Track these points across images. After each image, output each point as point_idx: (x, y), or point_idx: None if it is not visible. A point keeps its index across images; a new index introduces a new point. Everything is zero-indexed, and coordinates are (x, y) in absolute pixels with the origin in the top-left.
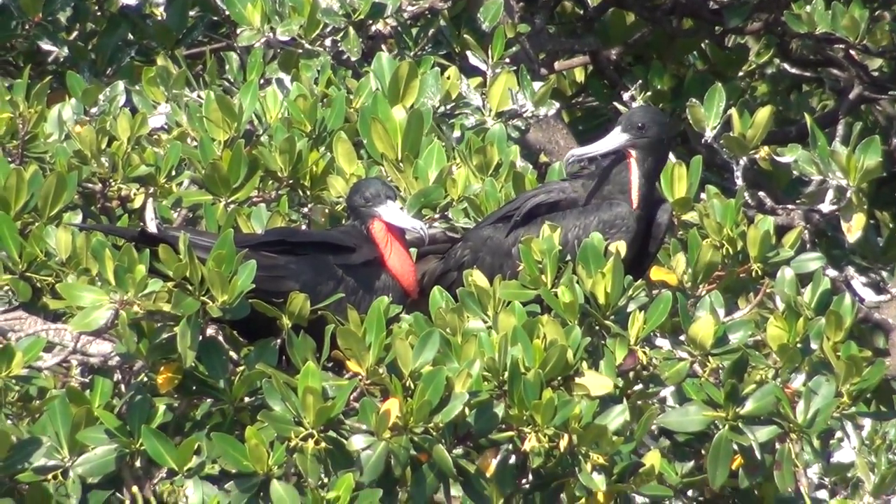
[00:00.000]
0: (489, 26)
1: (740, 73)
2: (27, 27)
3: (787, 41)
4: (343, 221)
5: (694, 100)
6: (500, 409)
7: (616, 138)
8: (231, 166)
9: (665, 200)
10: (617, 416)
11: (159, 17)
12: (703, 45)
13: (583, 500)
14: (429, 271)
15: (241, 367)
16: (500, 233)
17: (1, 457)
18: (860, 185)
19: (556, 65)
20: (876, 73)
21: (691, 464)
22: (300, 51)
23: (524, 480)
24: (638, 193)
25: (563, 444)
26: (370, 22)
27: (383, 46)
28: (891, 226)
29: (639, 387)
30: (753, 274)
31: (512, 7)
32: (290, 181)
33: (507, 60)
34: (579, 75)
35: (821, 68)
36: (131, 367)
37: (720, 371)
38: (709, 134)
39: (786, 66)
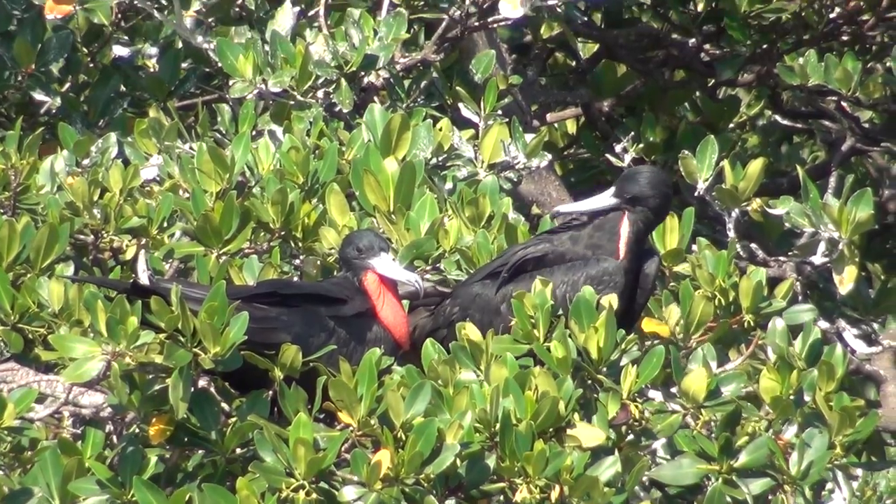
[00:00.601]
0: (481, 78)
1: (731, 125)
2: (20, 78)
3: (778, 93)
4: (335, 273)
5: (686, 152)
6: (491, 461)
7: (605, 201)
8: (223, 218)
9: (654, 251)
10: (608, 468)
11: (151, 69)
12: (694, 96)
13: None
14: (419, 325)
15: (233, 419)
16: (489, 289)
17: None
18: (852, 237)
19: (548, 117)
20: (867, 125)
21: None
22: (292, 102)
23: None
24: (626, 246)
25: (554, 495)
26: (362, 74)
27: (375, 98)
28: (882, 278)
29: (630, 438)
30: (745, 325)
31: (504, 59)
32: (283, 232)
33: (500, 112)
34: (571, 127)
35: (812, 120)
36: (123, 419)
37: (712, 423)
38: (701, 186)
39: (777, 117)
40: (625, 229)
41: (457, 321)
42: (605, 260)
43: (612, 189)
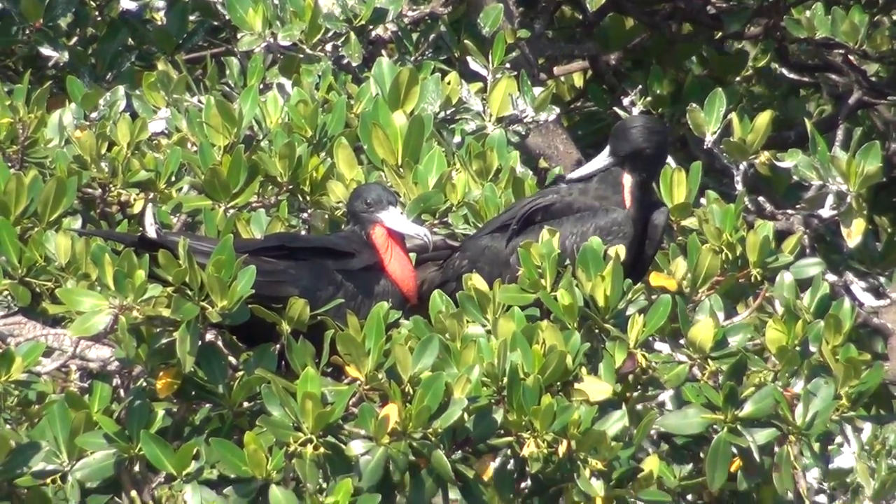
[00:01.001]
0: (489, 31)
1: (738, 78)
2: (28, 32)
3: (785, 46)
4: (342, 227)
5: (694, 104)
6: (498, 415)
7: (603, 161)
8: (231, 171)
9: (662, 203)
10: (616, 422)
11: (159, 23)
12: (701, 49)
13: None
14: (428, 279)
15: (241, 373)
16: (498, 242)
17: (0, 461)
18: (860, 190)
19: (556, 70)
20: (874, 79)
21: (690, 467)
22: (301, 56)
23: (523, 485)
24: (630, 196)
25: (561, 449)
26: (371, 27)
27: (383, 51)
28: (889, 231)
29: (638, 391)
30: (753, 279)
31: (512, 12)
32: (290, 186)
33: (508, 66)
34: (578, 80)
35: (818, 73)
36: (130, 372)
37: (719, 374)
38: (709, 139)
39: (784, 70)
40: (627, 180)
41: (466, 274)
42: (613, 210)
43: (608, 148)
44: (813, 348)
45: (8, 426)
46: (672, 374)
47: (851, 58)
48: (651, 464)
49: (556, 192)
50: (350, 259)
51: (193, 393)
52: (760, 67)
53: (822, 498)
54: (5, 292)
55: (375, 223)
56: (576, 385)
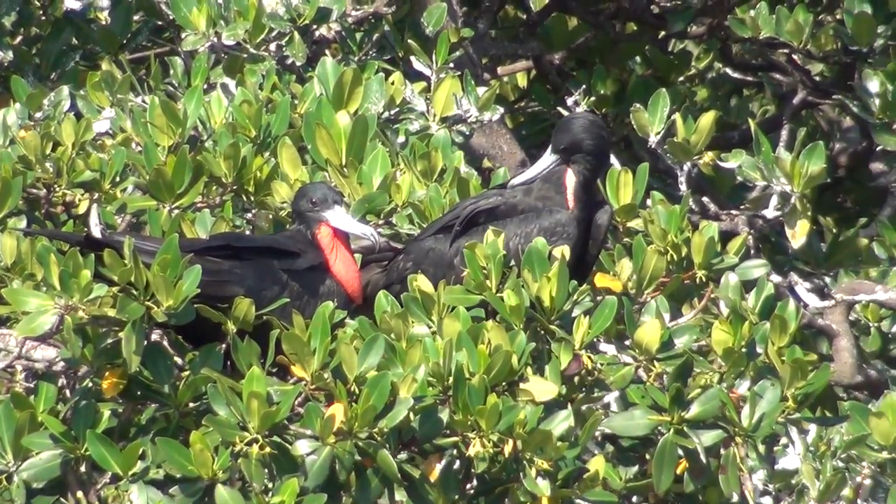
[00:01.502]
0: (433, 31)
1: (681, 79)
2: None
3: (729, 46)
4: (287, 226)
5: (638, 105)
6: (444, 415)
7: (547, 160)
8: (175, 172)
9: (606, 203)
10: (561, 422)
11: (104, 22)
12: (645, 49)
13: None
14: (372, 281)
15: (186, 372)
16: (442, 244)
17: None
18: (804, 190)
19: (499, 70)
20: (818, 78)
21: (636, 469)
22: (245, 55)
23: (469, 486)
24: (574, 196)
25: (507, 449)
26: (314, 27)
27: (327, 51)
28: (834, 231)
29: (583, 392)
30: (698, 280)
31: (455, 11)
32: (235, 186)
33: (451, 65)
34: (522, 80)
35: (762, 73)
36: (76, 372)
37: (665, 376)
38: (653, 139)
39: (728, 70)
40: (570, 179)
41: (410, 276)
42: (557, 211)
43: (550, 146)
44: (759, 349)
45: None
46: (618, 376)
47: (795, 57)
48: (597, 464)
49: (499, 193)
50: (295, 259)
51: (139, 393)
52: (703, 67)
53: (767, 500)
54: None
55: (321, 222)
56: (521, 385)
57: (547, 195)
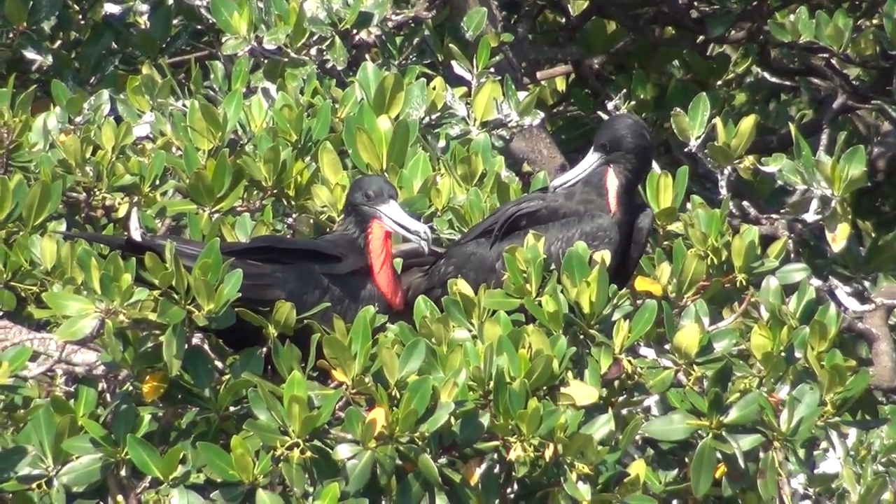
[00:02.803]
0: (473, 35)
1: (719, 83)
2: (11, 36)
3: (768, 50)
4: (328, 230)
5: (678, 109)
6: (485, 419)
7: (590, 159)
8: (215, 175)
9: (647, 206)
10: (602, 426)
11: (143, 26)
12: (684, 54)
13: None
14: (413, 285)
15: (227, 376)
16: (483, 248)
17: None
18: (844, 194)
19: (538, 74)
20: (855, 83)
21: (675, 472)
22: (286, 60)
23: (509, 490)
24: (616, 199)
25: (548, 453)
26: (355, 31)
27: (367, 56)
28: (873, 235)
29: (623, 396)
30: (738, 284)
31: (495, 16)
32: (275, 191)
33: (492, 70)
34: (560, 84)
35: (799, 77)
36: (116, 376)
37: (704, 380)
38: (693, 143)
39: (766, 74)
40: (612, 181)
41: (451, 280)
42: (599, 216)
43: (593, 146)
44: (798, 354)
45: None
46: (657, 380)
47: (834, 62)
48: (637, 468)
49: (540, 197)
50: (337, 263)
51: (180, 397)
52: (741, 72)
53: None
54: None
55: (374, 218)
56: (562, 389)
57: (588, 198)
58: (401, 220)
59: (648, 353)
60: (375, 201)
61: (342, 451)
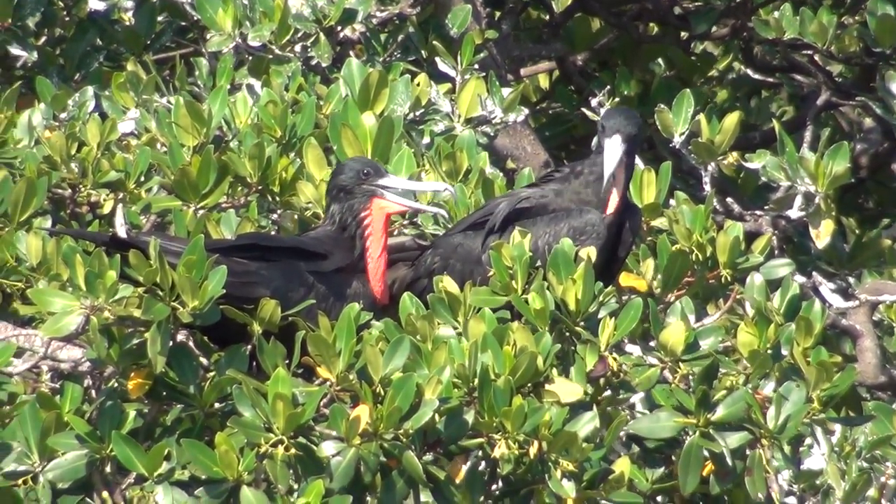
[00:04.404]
0: (457, 32)
1: (701, 80)
2: None
3: (751, 47)
4: (313, 226)
5: (662, 105)
6: (469, 416)
7: (617, 149)
8: (200, 172)
9: (635, 205)
10: (587, 423)
11: (128, 23)
12: (667, 51)
13: None
14: (399, 278)
15: (212, 373)
16: (471, 240)
17: None
18: (828, 191)
19: (522, 71)
20: (838, 79)
21: (662, 470)
22: (270, 56)
23: (494, 487)
24: (619, 200)
25: (532, 450)
26: (339, 28)
27: (351, 52)
28: (857, 232)
29: (608, 393)
30: (723, 280)
31: (479, 13)
32: (260, 187)
33: (476, 66)
34: (543, 81)
35: (781, 74)
36: (102, 373)
37: (690, 377)
38: (677, 140)
39: (749, 71)
40: (620, 183)
41: (438, 271)
42: (588, 211)
43: (617, 137)
44: (784, 351)
45: None
46: (643, 377)
47: (817, 58)
48: (622, 465)
49: (530, 195)
50: (322, 260)
51: (165, 393)
52: (723, 68)
53: (792, 500)
54: None
55: (374, 197)
56: (547, 386)
57: (585, 199)
58: (411, 187)
59: (634, 350)
60: (373, 178)
61: (326, 448)
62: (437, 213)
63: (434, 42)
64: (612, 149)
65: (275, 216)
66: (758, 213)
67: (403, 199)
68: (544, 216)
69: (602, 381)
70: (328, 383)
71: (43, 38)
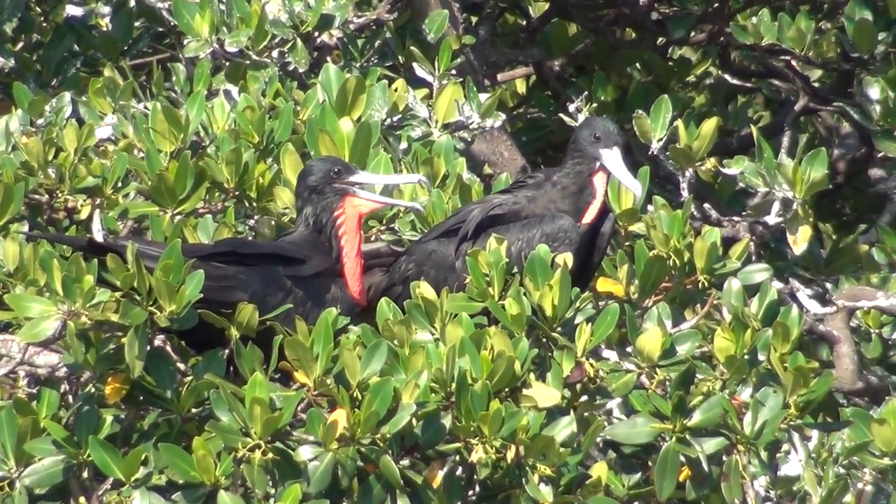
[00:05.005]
0: (434, 38)
1: (679, 85)
2: None
3: (729, 52)
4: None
5: (640, 111)
6: (447, 421)
7: (621, 159)
8: (177, 177)
9: (609, 209)
10: (564, 428)
11: (105, 28)
12: (644, 56)
13: None
14: (374, 284)
15: (189, 378)
16: (445, 247)
17: None
18: (806, 197)
19: (499, 76)
20: (816, 84)
21: (638, 475)
22: (248, 62)
23: (471, 492)
24: (599, 210)
25: (510, 455)
26: (316, 33)
27: (329, 58)
28: (833, 238)
29: (585, 398)
30: (700, 285)
31: (456, 18)
32: (237, 192)
33: (453, 72)
34: (521, 87)
35: (757, 79)
36: (79, 378)
37: (667, 383)
38: (655, 145)
39: (727, 77)
40: (600, 193)
41: (412, 278)
42: (560, 217)
43: (616, 148)
44: (761, 356)
45: None
46: (620, 383)
47: (795, 64)
48: (599, 470)
49: (503, 202)
50: (300, 265)
51: (142, 398)
52: (700, 74)
53: None
54: None
55: (346, 195)
56: (524, 391)
57: (561, 208)
58: (383, 181)
59: (611, 355)
60: (345, 175)
61: (304, 453)
62: (412, 207)
63: (411, 47)
64: (616, 159)
65: (252, 222)
66: (735, 218)
67: (377, 196)
68: (517, 223)
69: (579, 386)
70: (305, 388)
71: (20, 44)
